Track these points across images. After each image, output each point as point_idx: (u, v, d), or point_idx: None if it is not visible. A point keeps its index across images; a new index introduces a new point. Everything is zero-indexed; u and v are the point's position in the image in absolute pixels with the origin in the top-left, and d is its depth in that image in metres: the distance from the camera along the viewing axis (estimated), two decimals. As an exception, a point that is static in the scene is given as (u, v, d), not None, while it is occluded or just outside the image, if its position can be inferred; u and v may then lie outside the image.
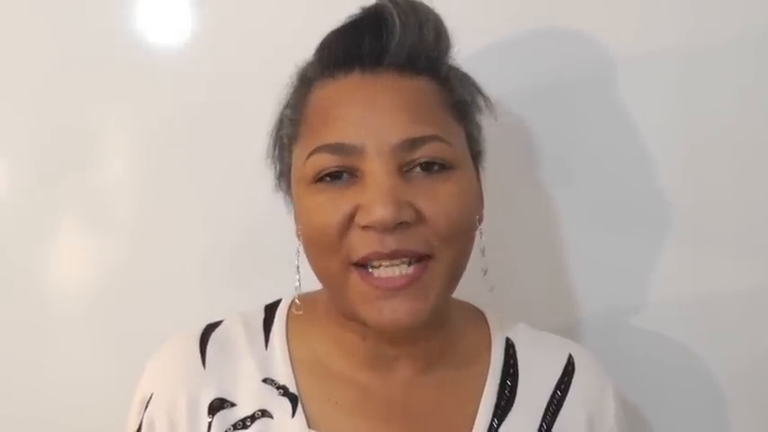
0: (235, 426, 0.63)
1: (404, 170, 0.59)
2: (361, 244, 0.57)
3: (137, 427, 0.66)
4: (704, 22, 0.83)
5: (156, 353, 0.68)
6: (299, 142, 0.63)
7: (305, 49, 0.65)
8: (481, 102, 0.67)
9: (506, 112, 0.80)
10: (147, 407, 0.65)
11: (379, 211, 0.56)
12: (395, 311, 0.57)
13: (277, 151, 0.67)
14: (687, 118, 0.84)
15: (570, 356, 0.70)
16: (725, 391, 0.87)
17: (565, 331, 0.78)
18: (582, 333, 0.86)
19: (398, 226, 0.56)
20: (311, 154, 0.60)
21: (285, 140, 0.66)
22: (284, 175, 0.67)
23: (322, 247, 0.59)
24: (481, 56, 0.80)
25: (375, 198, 0.56)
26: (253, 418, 0.64)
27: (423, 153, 0.58)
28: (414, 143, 0.58)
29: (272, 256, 0.70)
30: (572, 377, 0.69)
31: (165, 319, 0.79)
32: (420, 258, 0.58)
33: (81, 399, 0.87)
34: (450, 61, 0.65)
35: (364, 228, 0.57)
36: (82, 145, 0.86)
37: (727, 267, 0.86)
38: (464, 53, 0.66)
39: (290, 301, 0.70)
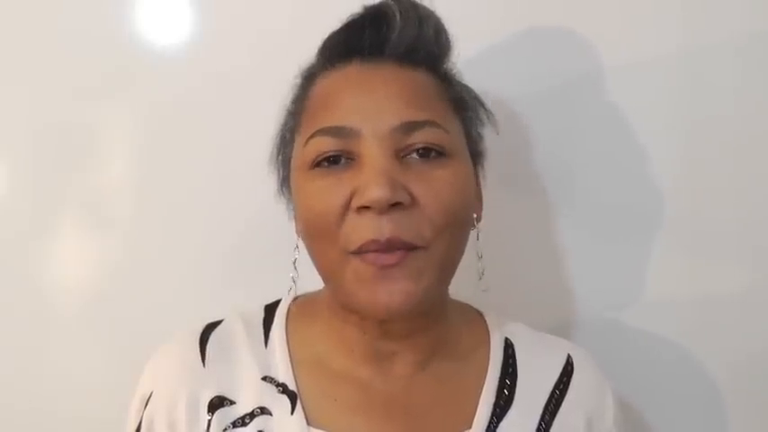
0: (234, 423, 0.63)
1: (401, 155, 0.59)
2: (358, 231, 0.58)
3: (136, 425, 0.66)
4: (704, 25, 0.84)
5: (156, 352, 0.68)
6: (299, 131, 0.64)
7: (306, 50, 0.66)
8: (483, 115, 0.68)
9: (507, 113, 0.81)
10: (146, 405, 0.66)
11: (375, 191, 0.56)
12: (389, 294, 0.58)
13: (280, 156, 0.68)
14: (685, 121, 0.85)
15: (569, 357, 0.71)
16: (722, 391, 0.87)
17: (563, 332, 0.79)
18: (580, 334, 0.86)
19: (393, 208, 0.57)
20: (310, 138, 0.61)
21: (287, 135, 0.67)
22: (287, 181, 0.67)
23: (320, 235, 0.60)
24: (481, 59, 0.81)
25: (370, 178, 0.57)
26: (252, 415, 0.64)
27: (419, 138, 0.59)
28: (410, 127, 0.59)
29: (272, 256, 0.70)
30: (571, 377, 0.69)
31: (165, 319, 0.79)
32: (413, 249, 0.58)
33: (81, 398, 0.87)
34: (450, 64, 0.66)
35: (359, 210, 0.58)
36: (80, 145, 0.86)
37: (725, 269, 0.86)
38: (464, 56, 0.67)
39: (289, 300, 0.70)
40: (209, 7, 0.85)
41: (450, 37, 0.65)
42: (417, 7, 0.64)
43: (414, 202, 0.58)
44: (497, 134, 0.69)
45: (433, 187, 0.59)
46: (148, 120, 0.86)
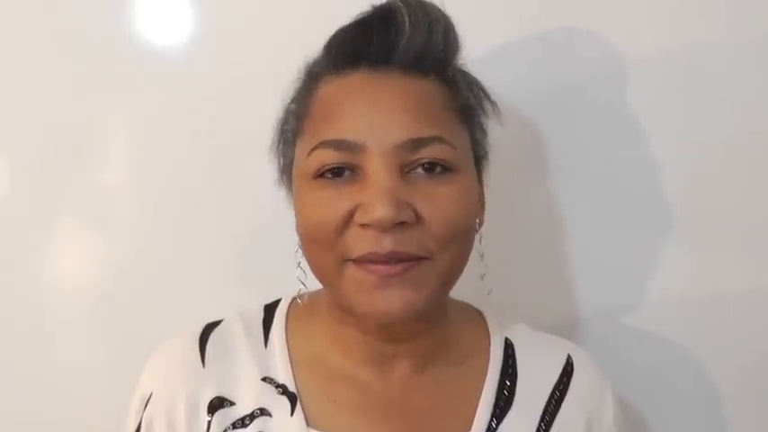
0: (234, 424, 0.63)
1: (405, 170, 0.59)
2: (358, 243, 0.58)
3: (136, 426, 0.66)
4: (711, 24, 0.83)
5: (156, 351, 0.68)
6: (302, 137, 0.63)
7: (308, 48, 0.65)
8: (488, 106, 0.67)
9: (511, 112, 0.80)
10: (146, 406, 0.65)
11: (379, 211, 0.56)
12: (388, 302, 0.58)
13: (281, 145, 0.67)
14: (691, 120, 0.85)
15: (569, 357, 0.71)
16: (724, 391, 0.87)
17: (565, 331, 0.78)
18: (582, 333, 0.86)
19: (396, 226, 0.57)
20: (314, 149, 0.60)
21: (289, 135, 0.66)
22: (287, 170, 0.67)
23: (319, 243, 0.59)
24: (487, 57, 0.80)
25: (375, 197, 0.56)
26: (252, 416, 0.64)
27: (425, 154, 0.59)
28: (416, 143, 0.58)
29: (274, 256, 0.70)
30: (571, 378, 0.69)
31: (167, 320, 0.78)
32: (416, 259, 0.58)
33: (82, 398, 0.87)
34: (459, 64, 0.65)
35: (362, 226, 0.57)
36: (81, 145, 0.85)
37: (729, 268, 0.86)
38: (471, 55, 0.66)
39: (289, 300, 0.70)
40: (209, 7, 0.85)
41: (459, 38, 0.64)
42: (427, 8, 0.62)
43: (418, 219, 0.58)
44: (501, 126, 0.68)
45: (438, 205, 0.58)
46: (149, 119, 0.86)
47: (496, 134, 0.69)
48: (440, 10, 0.63)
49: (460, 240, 0.60)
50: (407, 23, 0.61)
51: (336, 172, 0.59)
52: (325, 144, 0.59)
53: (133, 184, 0.87)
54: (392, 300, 0.58)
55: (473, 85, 0.66)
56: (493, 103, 0.67)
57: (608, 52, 0.83)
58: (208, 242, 0.86)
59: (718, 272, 0.86)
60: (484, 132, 0.67)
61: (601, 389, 0.70)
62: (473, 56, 0.67)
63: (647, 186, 0.85)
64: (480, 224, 0.66)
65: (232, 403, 0.64)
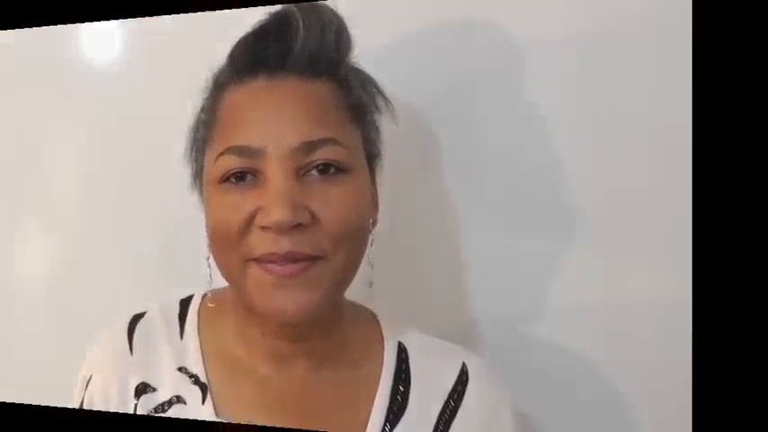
0: (156, 409, 0.69)
1: (301, 173, 0.61)
2: (260, 244, 0.61)
3: (80, 402, 0.73)
4: (608, 8, 0.78)
5: (96, 338, 0.74)
6: (211, 145, 0.66)
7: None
8: (381, 103, 0.67)
9: (407, 109, 0.79)
10: (87, 386, 0.72)
11: (277, 214, 0.59)
12: (283, 303, 0.60)
13: (193, 152, 0.70)
14: (594, 115, 0.80)
15: (464, 365, 0.70)
16: (625, 400, 0.82)
17: (458, 337, 0.76)
18: (476, 338, 0.84)
19: (294, 227, 0.59)
20: (220, 155, 0.63)
21: (200, 143, 0.69)
22: (199, 176, 0.70)
23: (224, 244, 0.63)
24: (382, 54, 0.79)
25: (273, 201, 0.59)
26: (170, 402, 0.69)
27: (318, 156, 0.61)
28: (309, 146, 0.61)
29: (190, 253, 0.74)
30: (466, 387, 0.69)
31: (104, 309, 0.83)
32: (312, 259, 0.61)
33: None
34: (351, 62, 0.66)
35: (263, 228, 0.60)
36: (35, 150, 0.94)
37: (633, 275, 0.81)
38: (363, 52, 0.67)
39: (201, 296, 0.73)
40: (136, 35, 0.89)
41: (352, 37, 0.65)
42: (320, 11, 0.64)
43: (314, 220, 0.60)
44: (396, 125, 0.68)
45: (332, 206, 0.60)
46: (92, 129, 0.93)
47: (393, 131, 0.69)
48: (332, 11, 0.64)
49: (353, 240, 0.62)
50: (301, 28, 0.62)
51: (240, 176, 0.62)
52: (230, 150, 0.62)
53: (75, 187, 0.94)
54: (287, 301, 0.60)
55: (366, 82, 0.67)
56: (386, 100, 0.68)
57: (505, 40, 0.80)
58: (137, 241, 0.92)
59: (623, 279, 0.81)
60: (377, 130, 0.68)
61: (498, 400, 0.69)
62: (363, 52, 0.67)
63: (551, 186, 0.81)
64: (374, 224, 0.66)
65: (154, 389, 0.69)
